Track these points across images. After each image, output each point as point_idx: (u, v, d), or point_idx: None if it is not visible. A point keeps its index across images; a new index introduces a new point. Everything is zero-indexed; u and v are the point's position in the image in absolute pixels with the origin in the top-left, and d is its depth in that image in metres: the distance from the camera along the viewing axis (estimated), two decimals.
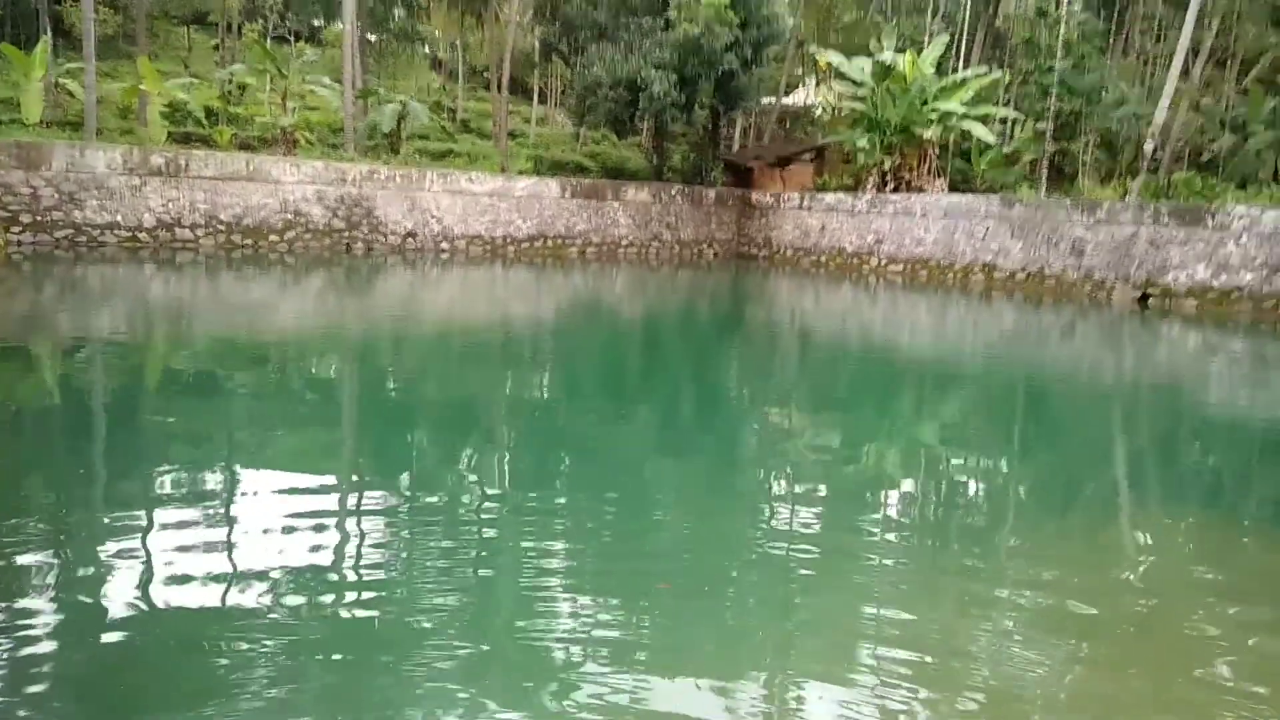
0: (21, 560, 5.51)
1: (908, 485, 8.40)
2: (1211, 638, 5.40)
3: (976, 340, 19.08)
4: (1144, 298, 24.97)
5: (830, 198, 33.98)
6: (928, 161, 33.48)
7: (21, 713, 3.96)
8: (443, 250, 29.63)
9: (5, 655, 4.37)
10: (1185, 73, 30.60)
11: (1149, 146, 29.32)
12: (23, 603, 4.94)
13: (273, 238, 26.69)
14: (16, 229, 23.01)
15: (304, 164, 27.72)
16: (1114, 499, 8.41)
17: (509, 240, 31.08)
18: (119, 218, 24.45)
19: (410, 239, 29.14)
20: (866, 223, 32.47)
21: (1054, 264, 27.25)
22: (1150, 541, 7.21)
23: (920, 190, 32.72)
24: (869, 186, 33.81)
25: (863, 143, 33.37)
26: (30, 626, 4.69)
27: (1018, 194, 31.24)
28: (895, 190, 33.11)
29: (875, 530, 7.01)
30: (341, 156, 29.91)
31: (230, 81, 32.42)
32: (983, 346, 18.20)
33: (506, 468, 8.35)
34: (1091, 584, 6.13)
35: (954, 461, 9.46)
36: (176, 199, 25.34)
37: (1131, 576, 6.42)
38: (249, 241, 26.27)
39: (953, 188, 33.63)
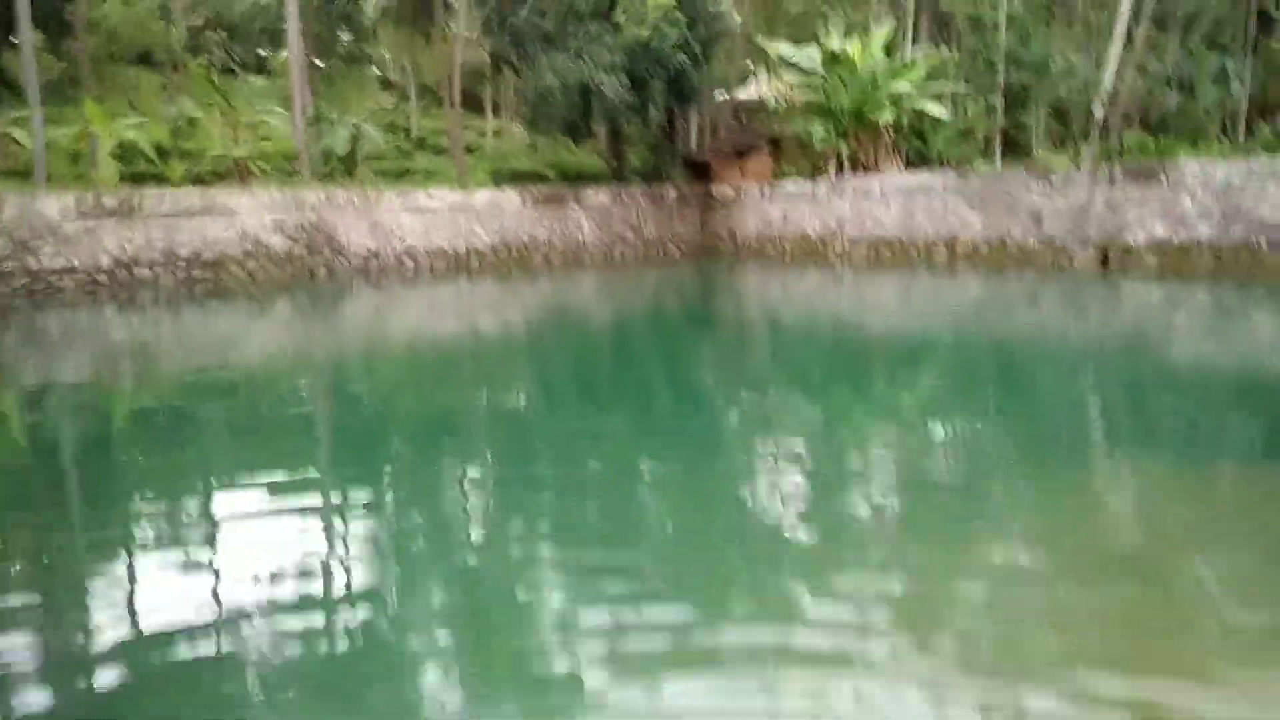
0: (6, 602, 5.42)
1: (887, 461, 8.44)
2: (1190, 576, 5.46)
3: (944, 314, 19.19)
4: (1105, 259, 25.23)
5: (790, 186, 34.12)
6: (884, 143, 33.67)
7: None
8: (406, 268, 29.50)
9: None
10: (1129, 37, 30.96)
11: (1099, 112, 29.63)
12: (10, 643, 4.84)
13: (233, 269, 26.46)
14: None
15: (260, 194, 27.52)
16: (1089, 451, 8.49)
17: (472, 253, 30.99)
18: (75, 262, 24.15)
19: (373, 259, 28.99)
20: (827, 207, 32.62)
21: (1014, 233, 27.49)
22: (1127, 489, 7.28)
23: (878, 171, 32.91)
24: (829, 172, 33.97)
25: (818, 130, 33.53)
26: (19, 665, 4.60)
27: (974, 167, 31.49)
28: (853, 173, 33.29)
29: (860, 504, 7.03)
30: (297, 183, 29.71)
31: (179, 118, 32.12)
32: (951, 319, 18.31)
33: (490, 478, 8.32)
34: (1071, 531, 6.18)
35: (932, 432, 9.50)
36: (132, 238, 25.08)
37: (1111, 522, 6.48)
38: (209, 275, 26.04)
39: (910, 166, 33.85)
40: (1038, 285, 22.44)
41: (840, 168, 33.74)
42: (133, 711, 4.19)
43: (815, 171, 35.00)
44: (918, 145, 35.29)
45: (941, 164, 33.75)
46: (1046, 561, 5.61)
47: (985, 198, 28.36)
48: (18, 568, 5.99)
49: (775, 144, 38.62)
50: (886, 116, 31.99)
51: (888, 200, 30.78)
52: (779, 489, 7.47)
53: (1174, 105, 35.19)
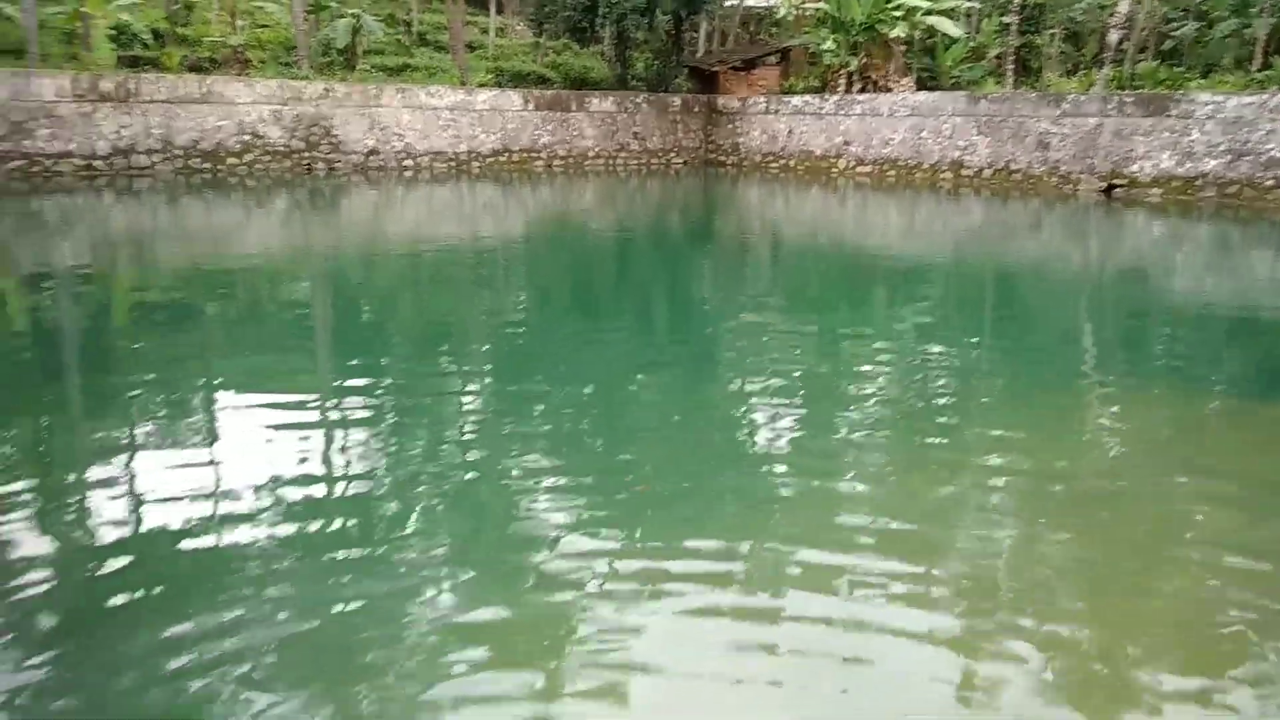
0: (8, 485, 5.56)
1: (886, 378, 8.57)
2: (1179, 505, 5.65)
3: (947, 237, 19.19)
4: (1109, 189, 25.11)
5: (797, 100, 33.60)
6: (894, 60, 33.08)
7: (21, 627, 4.06)
8: (406, 168, 29.16)
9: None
10: None
11: (1113, 36, 29.14)
12: (12, 529, 4.98)
13: (231, 161, 26.14)
14: None
15: (258, 84, 26.99)
16: (1081, 379, 8.64)
17: (473, 155, 30.60)
18: (72, 146, 23.83)
19: (372, 157, 28.64)
20: (834, 125, 32.21)
21: (1020, 159, 27.27)
22: (1122, 418, 7.44)
23: (887, 90, 32.41)
24: (837, 88, 33.43)
25: (828, 43, 32.88)
26: (15, 553, 4.75)
27: (984, 89, 31.05)
28: (862, 91, 32.78)
29: (854, 422, 7.18)
30: (296, 75, 29.12)
31: (175, 1, 31.29)
32: (953, 242, 18.32)
33: (489, 379, 8.44)
34: (1067, 459, 6.35)
35: (930, 351, 9.60)
36: (130, 125, 24.69)
37: (1106, 451, 6.65)
38: (207, 165, 25.73)
39: (920, 86, 33.33)
40: (1041, 213, 22.38)
41: (849, 84, 33.20)
42: (131, 602, 4.30)
43: (824, 87, 34.44)
44: (928, 64, 34.73)
45: (952, 85, 33.27)
46: (1029, 489, 5.78)
47: (993, 121, 28.03)
48: (15, 457, 6.11)
49: (784, 56, 37.90)
50: (898, 31, 31.36)
51: (896, 120, 30.40)
52: (772, 408, 7.61)
53: (1190, 34, 34.62)
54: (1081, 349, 10.01)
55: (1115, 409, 7.66)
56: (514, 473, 5.95)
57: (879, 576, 4.59)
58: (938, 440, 6.70)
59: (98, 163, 24.14)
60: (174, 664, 3.78)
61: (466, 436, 6.76)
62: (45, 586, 4.40)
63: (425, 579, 4.55)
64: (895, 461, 6.27)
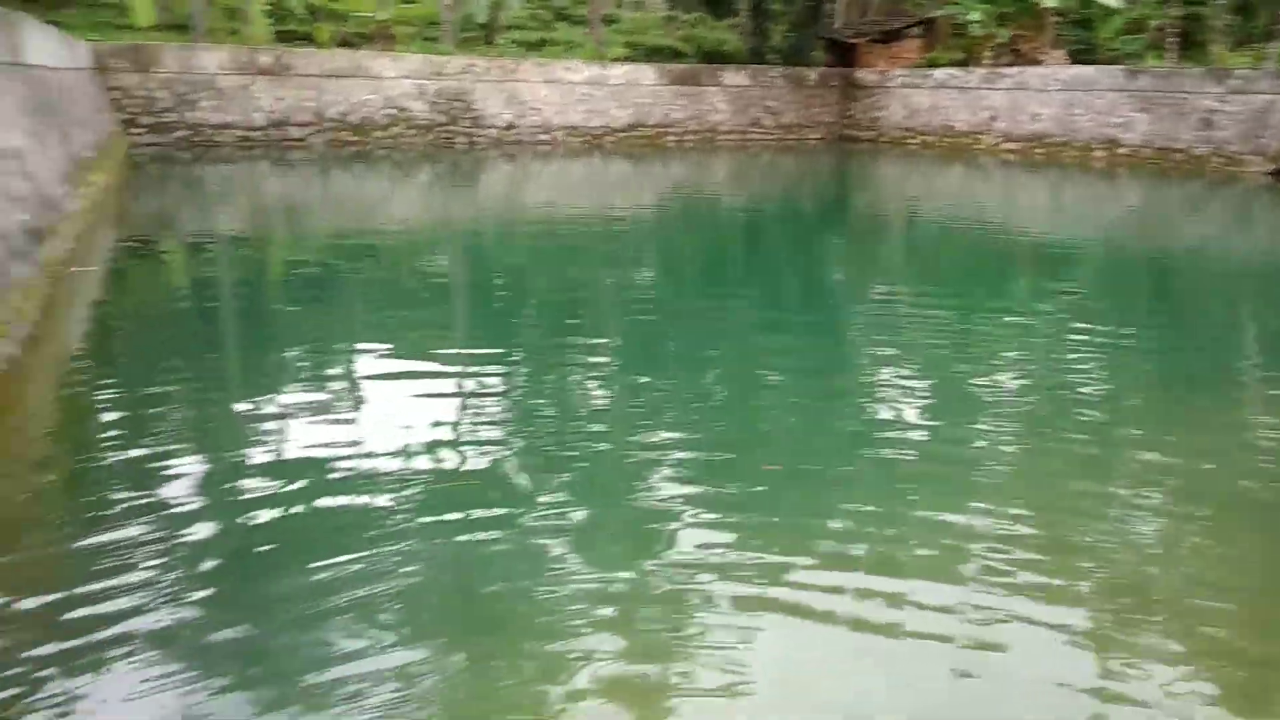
0: (169, 436, 6.00)
1: (1028, 365, 8.25)
2: None
3: (1101, 219, 18.28)
4: (1279, 171, 23.46)
5: (940, 74, 32.50)
6: (1046, 32, 31.59)
7: (177, 564, 4.35)
8: (541, 142, 29.54)
9: (160, 519, 4.76)
10: None
11: None
12: (172, 471, 5.35)
13: (377, 134, 26.99)
14: (137, 131, 23.83)
15: (403, 59, 27.76)
16: (1245, 377, 8.14)
17: (606, 130, 30.74)
18: (231, 118, 25.06)
19: (510, 131, 29.11)
20: (979, 99, 31.03)
21: (1181, 137, 25.73)
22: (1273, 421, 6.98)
23: (1037, 63, 31.00)
24: (983, 60, 32.16)
25: (975, 14, 31.61)
26: (179, 493, 5.09)
27: (1143, 64, 29.36)
28: (1011, 64, 31.46)
29: (994, 411, 6.94)
30: (439, 50, 29.81)
31: None
32: (1108, 225, 17.45)
33: (621, 350, 8.52)
34: (1223, 457, 6.01)
35: (1075, 339, 9.14)
36: (284, 98, 25.77)
37: (1261, 453, 6.25)
38: (356, 138, 26.64)
39: (1073, 59, 31.75)
40: (1204, 195, 21.10)
41: (997, 57, 31.89)
42: (273, 550, 4.57)
43: (969, 59, 33.17)
44: (1083, 36, 32.99)
45: (1108, 58, 31.55)
46: (1175, 493, 5.46)
47: (1153, 98, 26.50)
48: (172, 412, 6.53)
49: (927, 27, 36.62)
50: (1054, 1, 29.90)
51: (1046, 95, 29.06)
52: (907, 390, 7.42)
53: None
54: (1243, 345, 9.41)
55: (1275, 410, 7.18)
56: (642, 444, 6.01)
57: (1006, 568, 4.46)
58: (1079, 431, 6.36)
59: (255, 133, 25.33)
60: (317, 604, 4.03)
61: (596, 404, 6.93)
62: (202, 526, 4.70)
63: (555, 540, 4.67)
64: (1032, 452, 6.05)
